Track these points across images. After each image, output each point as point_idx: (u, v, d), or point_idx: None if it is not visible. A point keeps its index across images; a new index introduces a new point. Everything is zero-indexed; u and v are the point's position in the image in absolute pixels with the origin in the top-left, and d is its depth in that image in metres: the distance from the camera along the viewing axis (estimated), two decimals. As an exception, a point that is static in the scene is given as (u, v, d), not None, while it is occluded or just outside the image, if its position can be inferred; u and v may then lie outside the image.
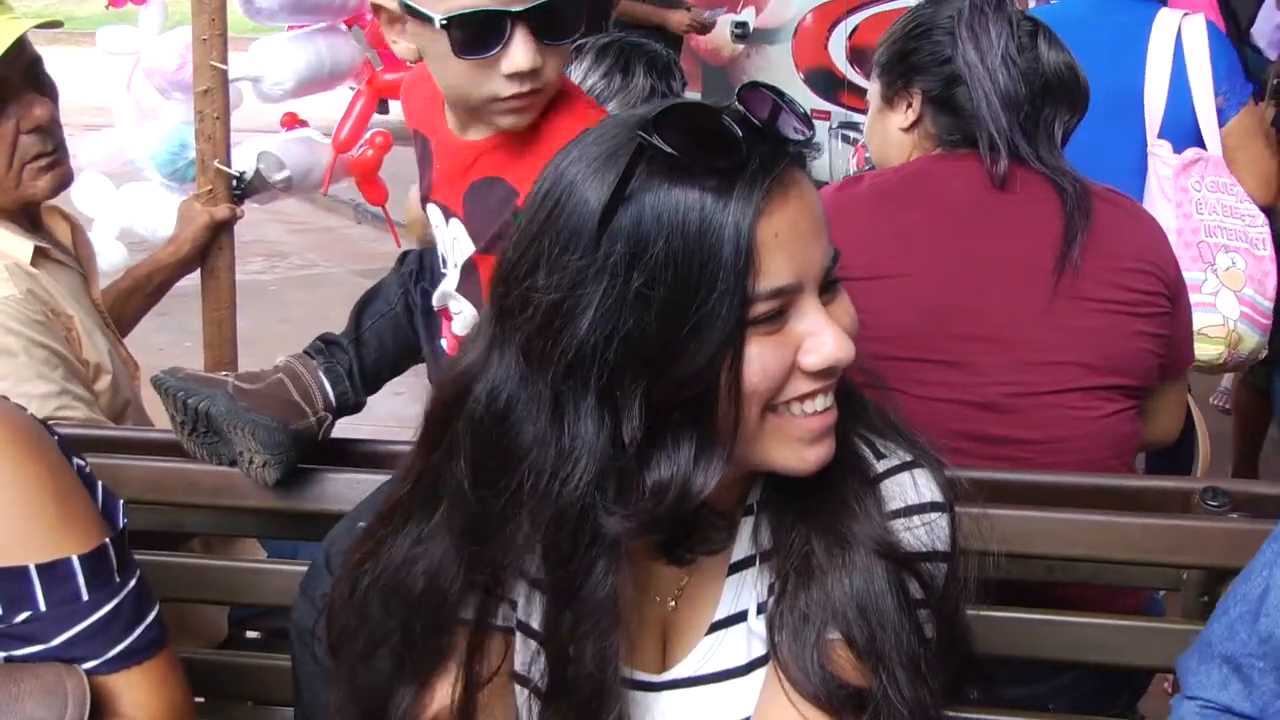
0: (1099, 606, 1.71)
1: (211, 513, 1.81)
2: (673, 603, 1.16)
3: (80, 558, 1.25)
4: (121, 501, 1.36)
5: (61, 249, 2.13)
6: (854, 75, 6.27)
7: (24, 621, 1.23)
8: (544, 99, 1.48)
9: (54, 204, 2.18)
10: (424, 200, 1.69)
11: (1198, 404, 2.51)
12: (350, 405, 1.79)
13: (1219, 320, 2.41)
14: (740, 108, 0.99)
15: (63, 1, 15.97)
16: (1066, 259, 1.70)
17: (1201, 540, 1.54)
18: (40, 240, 2.05)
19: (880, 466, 1.12)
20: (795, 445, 1.03)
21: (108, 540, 1.28)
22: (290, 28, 3.20)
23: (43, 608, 1.23)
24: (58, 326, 1.99)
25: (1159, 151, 2.40)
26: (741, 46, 6.99)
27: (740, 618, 1.13)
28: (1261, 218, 2.42)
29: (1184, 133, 2.45)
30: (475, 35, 1.38)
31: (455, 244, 1.61)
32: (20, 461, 1.25)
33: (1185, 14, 2.47)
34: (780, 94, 1.02)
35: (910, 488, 1.11)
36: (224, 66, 2.58)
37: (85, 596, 1.25)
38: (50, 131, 2.01)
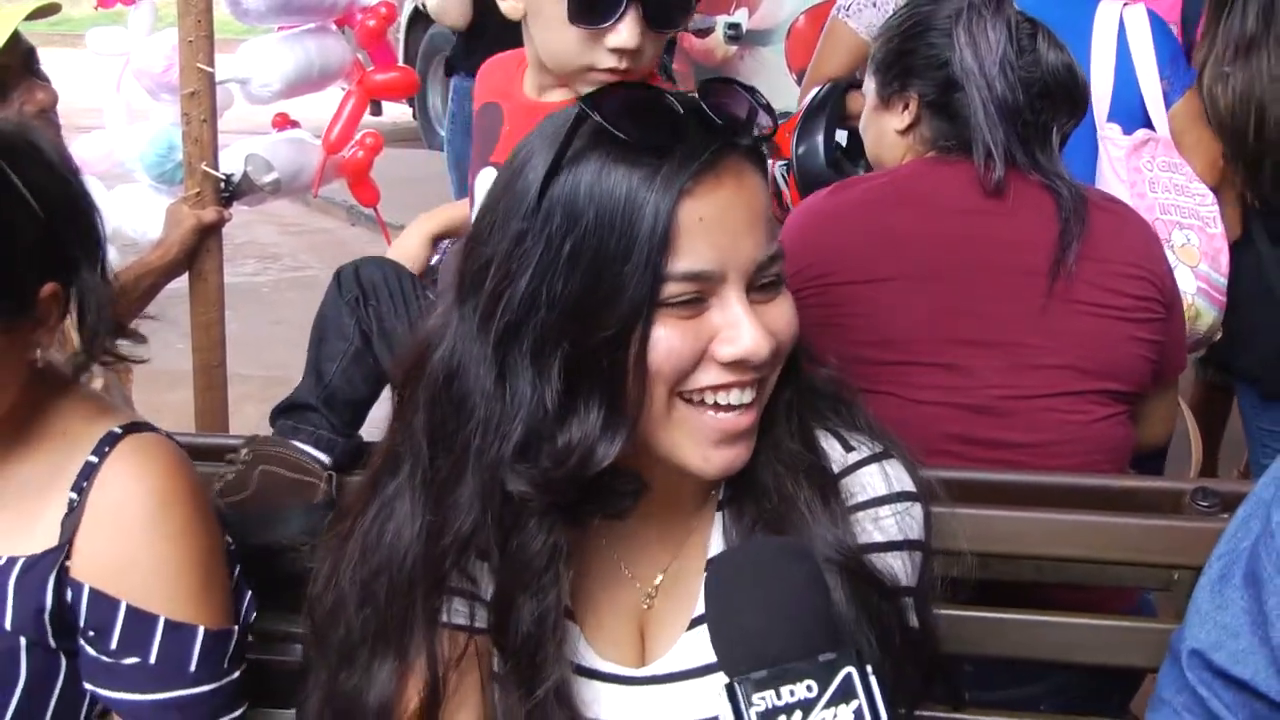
0: (1090, 607, 1.70)
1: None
2: (651, 599, 1.16)
3: (206, 631, 1.28)
4: (250, 594, 1.39)
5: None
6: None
7: (131, 665, 1.25)
8: (638, 74, 1.53)
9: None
10: (483, 166, 1.71)
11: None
12: (349, 451, 1.65)
13: None
14: (693, 95, 1.00)
15: (55, 4, 15.93)
16: (1061, 265, 1.70)
17: (1192, 541, 1.53)
18: None
19: (849, 459, 1.12)
20: (701, 443, 1.04)
21: (234, 628, 1.32)
22: (280, 28, 3.19)
23: (153, 661, 1.25)
24: (51, 330, 1.99)
25: (1110, 134, 2.42)
26: (734, 48, 6.99)
27: None
28: (1210, 196, 2.43)
29: (1132, 116, 2.47)
30: (592, 6, 1.47)
31: None
32: (191, 517, 1.28)
33: (1125, 3, 2.49)
34: (749, 89, 1.03)
35: (880, 479, 1.11)
36: (210, 69, 2.57)
37: (192, 668, 1.27)
38: (51, 118, 2.02)
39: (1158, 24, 2.50)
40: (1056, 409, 1.72)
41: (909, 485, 1.12)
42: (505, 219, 1.02)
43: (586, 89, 1.44)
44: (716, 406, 1.03)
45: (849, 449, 1.13)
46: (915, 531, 1.11)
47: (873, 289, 1.72)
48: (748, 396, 1.03)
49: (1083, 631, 1.57)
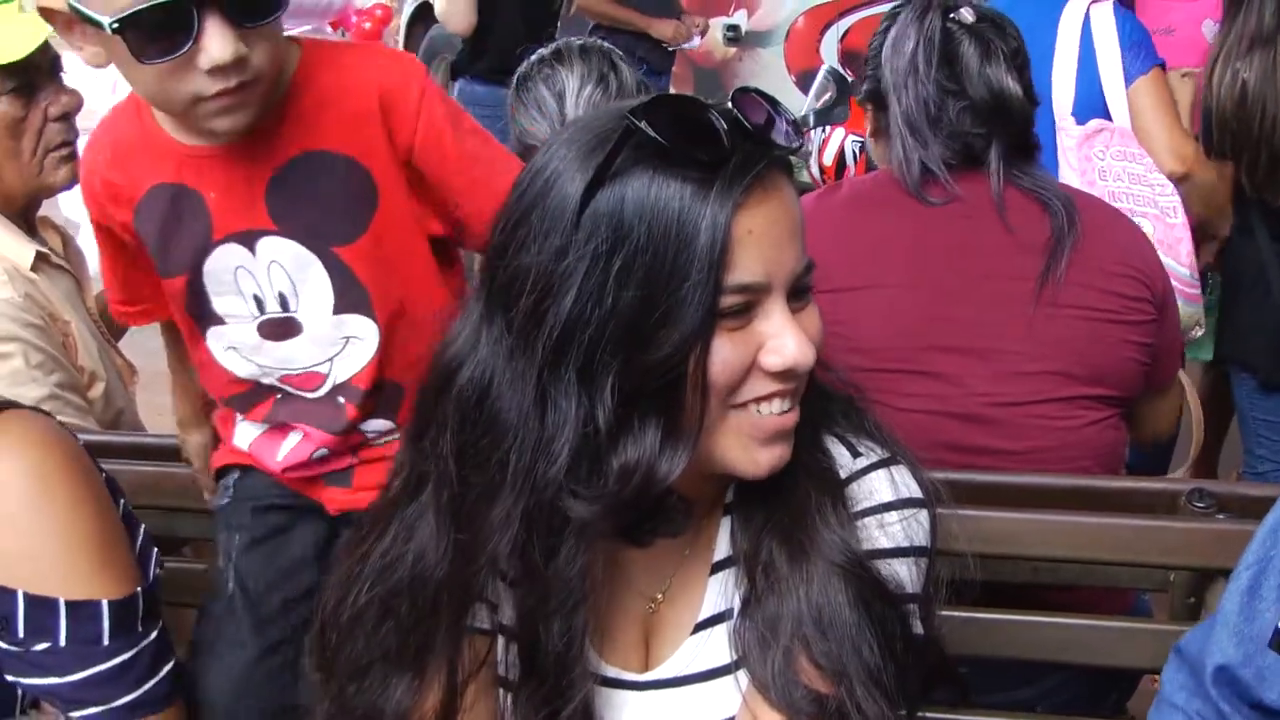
0: (1086, 609, 1.71)
1: (203, 518, 1.80)
2: (656, 603, 1.16)
3: (110, 603, 1.25)
4: (156, 551, 1.37)
5: (58, 256, 2.14)
6: (847, 77, 6.27)
7: (43, 651, 1.24)
8: (263, 92, 1.30)
9: (44, 214, 2.19)
10: (200, 255, 1.42)
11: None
12: None
13: None
14: (731, 107, 1.00)
15: (55, 6, 15.91)
16: (1051, 272, 1.69)
17: (1188, 541, 1.53)
18: (40, 245, 2.06)
19: (856, 465, 1.12)
20: (749, 445, 1.04)
21: (139, 590, 1.29)
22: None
23: (63, 643, 1.23)
24: (55, 332, 2.00)
25: (1064, 125, 2.42)
26: (734, 50, 7.00)
27: (724, 617, 1.12)
28: (1170, 187, 2.40)
29: (1093, 110, 2.46)
30: (157, 34, 1.19)
31: (281, 270, 1.42)
32: (74, 492, 1.25)
33: (1091, 2, 2.49)
34: (774, 101, 1.03)
35: (887, 484, 1.11)
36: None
37: (106, 641, 1.25)
38: (72, 123, 2.04)
39: (1120, 14, 2.50)
40: (1045, 415, 1.71)
41: (916, 491, 1.12)
42: (540, 235, 0.99)
43: (219, 124, 1.30)
44: (759, 413, 1.03)
45: (856, 454, 1.13)
46: (921, 538, 1.11)
47: (858, 296, 1.72)
48: (788, 404, 1.04)
49: (1080, 632, 1.57)
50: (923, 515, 1.11)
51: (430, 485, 1.09)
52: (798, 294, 1.03)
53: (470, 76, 4.67)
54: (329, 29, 3.28)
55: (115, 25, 1.18)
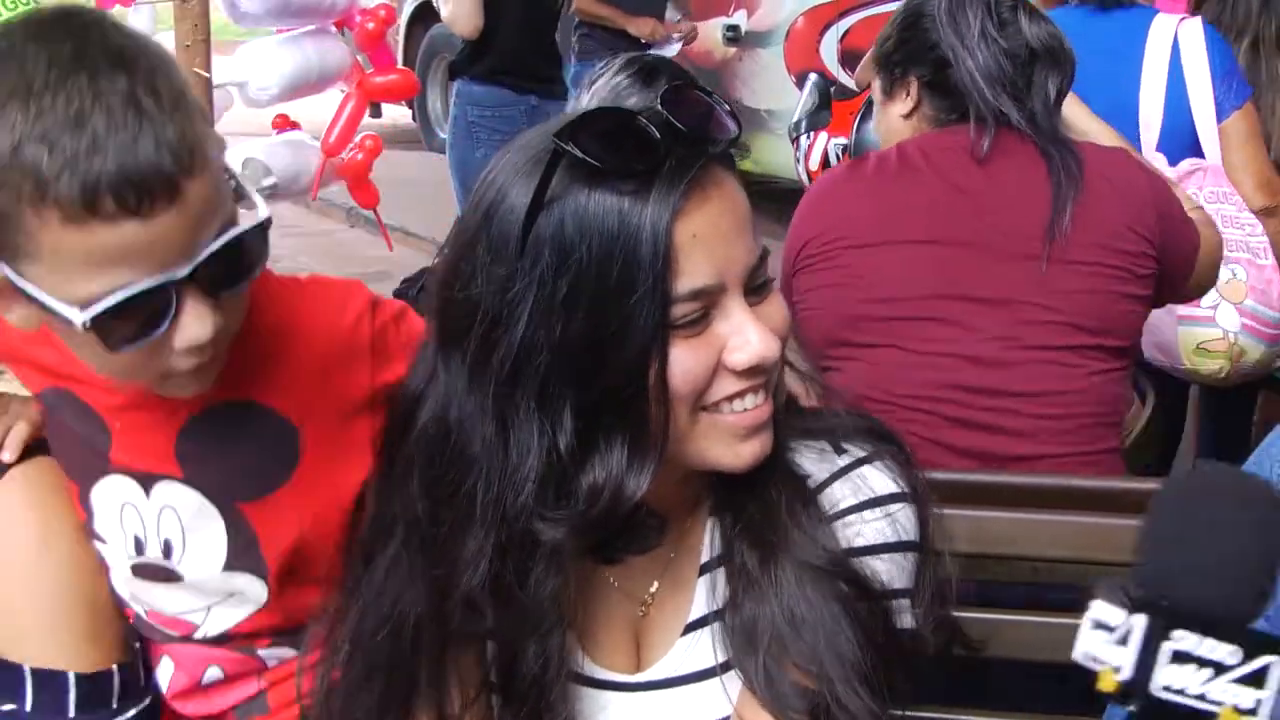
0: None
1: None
2: (646, 606, 1.16)
3: (78, 676, 1.22)
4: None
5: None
6: (846, 78, 6.26)
7: (8, 713, 1.21)
8: (226, 348, 1.16)
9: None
10: (90, 476, 1.26)
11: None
12: None
13: (1219, 334, 2.40)
14: (662, 110, 0.98)
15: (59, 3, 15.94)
16: (1056, 226, 1.79)
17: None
18: None
19: (841, 462, 1.11)
20: (729, 441, 1.04)
21: (114, 667, 1.25)
22: (279, 31, 3.20)
23: (28, 708, 1.21)
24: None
25: (1151, 158, 2.38)
26: (733, 49, 7.00)
27: (713, 618, 1.12)
28: (1259, 226, 2.40)
29: (1182, 144, 2.43)
30: (132, 320, 1.04)
31: (174, 518, 1.27)
32: (70, 560, 1.22)
33: (1182, 19, 2.45)
34: (708, 92, 1.02)
35: (869, 480, 1.10)
36: (207, 74, 2.57)
37: (71, 714, 1.22)
38: None
39: (1213, 38, 2.47)
40: (1056, 361, 1.80)
41: (895, 487, 1.11)
42: (486, 263, 0.99)
43: (185, 390, 1.16)
44: (732, 410, 1.03)
45: (842, 451, 1.12)
46: (907, 533, 1.10)
47: (879, 251, 1.85)
48: (761, 398, 1.04)
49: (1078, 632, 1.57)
50: (907, 510, 1.10)
51: (400, 528, 1.08)
52: (756, 289, 1.02)
53: (469, 77, 4.67)
54: (333, 29, 3.28)
55: (89, 324, 1.01)
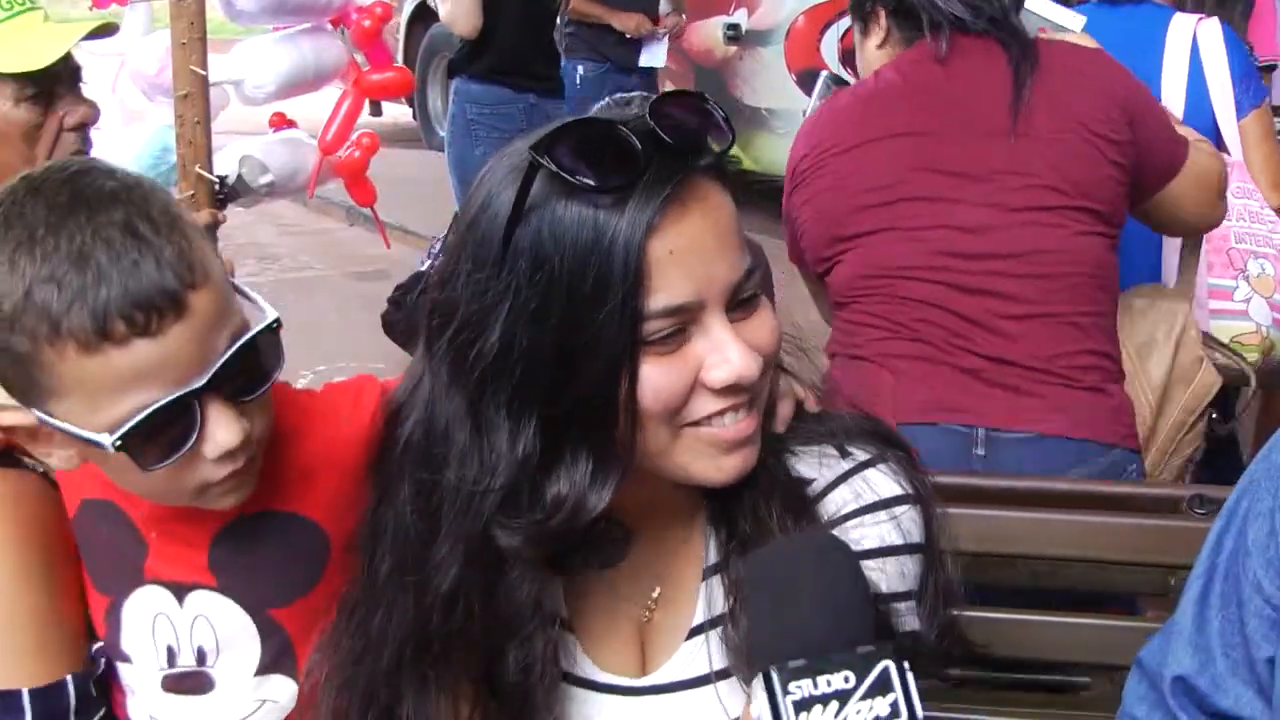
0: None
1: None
2: (650, 610, 1.15)
3: (31, 692, 1.20)
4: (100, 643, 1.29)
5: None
6: (847, 77, 6.26)
7: None
8: (262, 456, 1.19)
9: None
10: (125, 587, 1.27)
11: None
12: None
13: (1252, 327, 2.41)
14: (648, 119, 0.97)
15: (57, 1, 15.97)
16: (1018, 102, 1.92)
17: (1188, 542, 1.52)
18: None
19: (844, 466, 1.10)
20: (711, 455, 1.02)
21: (68, 677, 1.23)
22: (275, 29, 3.19)
23: None
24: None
25: None
26: (734, 48, 6.99)
27: (718, 622, 1.12)
28: None
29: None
30: (161, 437, 1.07)
31: (207, 626, 1.27)
32: (20, 569, 1.21)
33: (1200, 18, 2.46)
34: (702, 99, 1.01)
35: (872, 483, 1.09)
36: (203, 72, 2.56)
37: None
38: (86, 135, 2.04)
39: (1231, 38, 2.48)
40: (1037, 222, 1.91)
41: (900, 489, 1.10)
42: (468, 269, 0.99)
43: (225, 501, 1.18)
44: (714, 425, 1.02)
45: (846, 454, 1.11)
46: (912, 535, 1.09)
47: (862, 150, 2.01)
48: (743, 415, 1.02)
49: (1081, 632, 1.57)
50: (912, 511, 1.09)
51: (386, 537, 1.08)
52: (741, 303, 1.00)
53: (468, 75, 4.67)
54: (329, 26, 3.27)
55: (118, 444, 1.05)
